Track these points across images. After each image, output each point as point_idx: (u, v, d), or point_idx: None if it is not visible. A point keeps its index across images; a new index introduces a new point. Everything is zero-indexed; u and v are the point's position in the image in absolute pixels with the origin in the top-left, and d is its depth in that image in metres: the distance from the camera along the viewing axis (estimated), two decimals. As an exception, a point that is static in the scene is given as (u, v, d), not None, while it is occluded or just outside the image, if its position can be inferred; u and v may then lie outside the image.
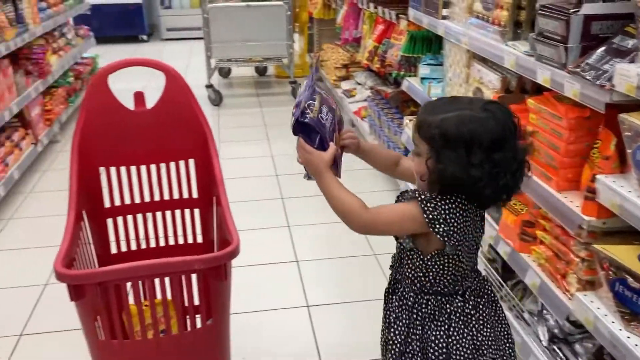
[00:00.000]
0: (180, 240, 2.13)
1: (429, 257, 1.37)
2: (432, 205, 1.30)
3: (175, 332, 1.65)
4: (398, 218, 1.35)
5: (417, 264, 1.39)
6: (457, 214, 1.31)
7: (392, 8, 3.46)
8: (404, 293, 1.42)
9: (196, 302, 1.61)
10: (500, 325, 1.47)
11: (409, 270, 1.41)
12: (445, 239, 1.31)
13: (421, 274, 1.39)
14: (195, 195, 2.08)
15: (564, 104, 1.78)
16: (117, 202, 2.03)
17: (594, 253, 1.64)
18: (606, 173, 1.60)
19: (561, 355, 1.85)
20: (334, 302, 2.59)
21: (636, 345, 1.48)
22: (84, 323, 1.57)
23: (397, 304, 1.43)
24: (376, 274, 2.78)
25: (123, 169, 2.00)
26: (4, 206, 3.53)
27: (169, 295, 1.63)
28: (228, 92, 6.02)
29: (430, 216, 1.30)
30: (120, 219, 2.05)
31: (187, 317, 1.64)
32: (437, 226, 1.30)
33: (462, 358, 1.38)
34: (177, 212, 2.11)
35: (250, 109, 5.49)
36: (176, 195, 2.09)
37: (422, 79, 2.96)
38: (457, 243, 1.32)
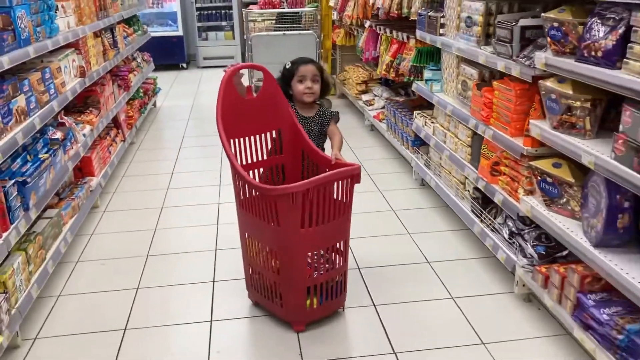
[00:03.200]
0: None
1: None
2: (335, 111, 3.05)
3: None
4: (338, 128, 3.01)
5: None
6: None
7: (403, 31, 4.57)
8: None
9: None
10: None
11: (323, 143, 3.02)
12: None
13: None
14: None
15: (513, 82, 2.85)
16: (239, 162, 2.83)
17: (530, 169, 2.69)
18: (535, 119, 2.66)
19: (517, 244, 2.87)
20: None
21: (553, 219, 2.52)
22: (291, 219, 2.42)
23: None
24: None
25: (241, 140, 2.86)
26: (110, 183, 4.63)
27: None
28: (265, 106, 7.14)
29: (338, 116, 3.04)
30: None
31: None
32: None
33: None
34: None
35: (286, 119, 6.60)
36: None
37: (426, 80, 4.05)
38: None
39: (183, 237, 3.74)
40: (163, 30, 10.18)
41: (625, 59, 2.03)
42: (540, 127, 2.57)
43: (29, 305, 2.75)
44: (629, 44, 2.01)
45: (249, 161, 2.92)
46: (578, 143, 2.32)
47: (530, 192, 2.75)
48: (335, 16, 7.20)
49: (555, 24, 2.38)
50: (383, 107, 5.76)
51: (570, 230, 2.41)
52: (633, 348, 2.04)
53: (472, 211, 3.39)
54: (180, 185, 4.64)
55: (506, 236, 2.97)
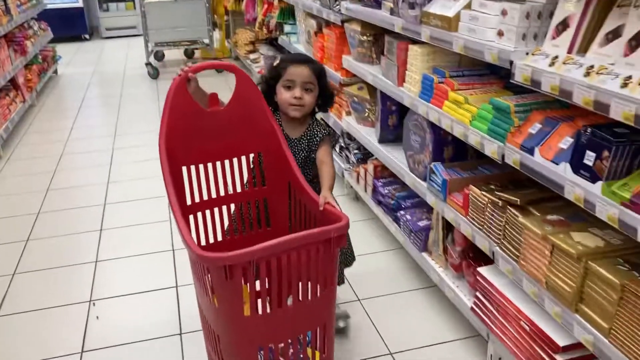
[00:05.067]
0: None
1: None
2: (330, 130, 2.22)
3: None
4: (332, 152, 2.19)
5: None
6: None
7: (271, -7, 5.27)
8: (315, 181, 2.16)
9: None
10: None
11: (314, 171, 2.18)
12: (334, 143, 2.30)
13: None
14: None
15: (335, 28, 3.61)
16: (197, 199, 2.09)
17: (347, 94, 3.47)
18: (346, 54, 3.45)
19: (345, 155, 3.68)
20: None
21: (359, 130, 3.33)
22: (230, 302, 1.63)
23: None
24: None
25: (201, 166, 2.05)
26: (11, 138, 5.10)
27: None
28: (163, 70, 7.65)
29: (333, 137, 2.24)
30: (199, 215, 2.10)
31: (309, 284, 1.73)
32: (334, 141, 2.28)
33: None
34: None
35: (182, 80, 7.15)
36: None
37: (286, 33, 4.78)
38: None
39: (80, 175, 4.33)
40: (62, 2, 10.33)
41: (383, 1, 2.81)
42: (348, 60, 3.36)
43: (-59, 226, 3.29)
44: (384, -10, 2.80)
45: (215, 195, 2.13)
46: (367, 68, 3.11)
47: (348, 113, 3.55)
48: (224, -17, 7.77)
49: (348, -22, 3.15)
50: (266, 63, 6.44)
51: (368, 135, 3.22)
52: (398, 206, 2.89)
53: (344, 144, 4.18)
54: (78, 137, 5.18)
55: (337, 150, 3.77)
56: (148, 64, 7.22)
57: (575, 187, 1.57)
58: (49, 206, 3.80)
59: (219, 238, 2.19)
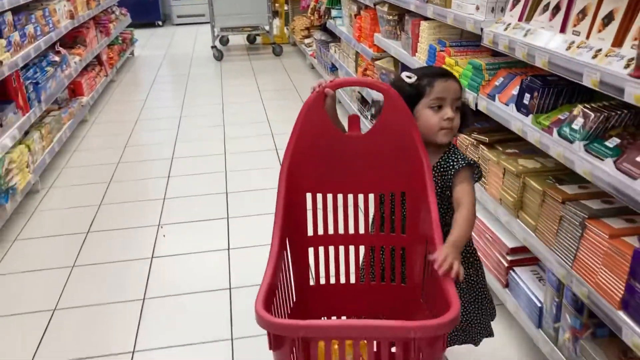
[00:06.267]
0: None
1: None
2: (470, 160, 1.73)
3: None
4: (473, 192, 1.70)
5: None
6: None
7: (322, -19, 5.86)
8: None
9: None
10: None
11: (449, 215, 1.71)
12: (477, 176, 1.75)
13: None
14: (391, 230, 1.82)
15: (370, 10, 4.16)
16: (320, 231, 1.83)
17: (377, 67, 4.02)
18: (377, 33, 3.99)
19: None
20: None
21: (385, 95, 3.88)
22: None
23: None
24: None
25: (329, 196, 1.80)
26: (95, 105, 5.94)
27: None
28: (227, 53, 8.40)
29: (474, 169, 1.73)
30: (321, 249, 1.84)
31: None
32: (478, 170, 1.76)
33: None
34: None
35: (243, 62, 7.87)
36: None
37: (333, 17, 5.36)
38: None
39: (151, 136, 5.10)
40: (140, -10, 11.29)
41: (404, -14, 3.35)
42: (379, 38, 3.91)
43: (43, 167, 4.09)
44: (405, -24, 3.33)
45: (342, 231, 1.86)
46: (392, 43, 3.65)
47: (379, 84, 4.10)
48: (285, -27, 8.42)
49: (379, -33, 3.70)
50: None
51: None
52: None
53: (358, 109, 4.75)
54: (151, 107, 5.96)
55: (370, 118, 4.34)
56: (213, 47, 7.98)
57: (517, 121, 2.08)
58: (126, 158, 4.55)
59: (342, 279, 1.88)
